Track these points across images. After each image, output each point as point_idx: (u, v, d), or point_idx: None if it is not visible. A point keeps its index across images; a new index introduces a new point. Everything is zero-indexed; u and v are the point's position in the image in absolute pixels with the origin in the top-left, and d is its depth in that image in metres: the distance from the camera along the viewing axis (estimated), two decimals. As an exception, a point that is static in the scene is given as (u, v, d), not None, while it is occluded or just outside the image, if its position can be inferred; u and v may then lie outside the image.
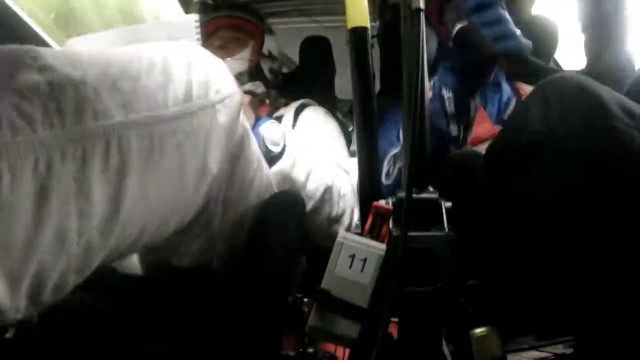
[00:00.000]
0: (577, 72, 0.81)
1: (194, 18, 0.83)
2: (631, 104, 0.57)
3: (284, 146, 0.95)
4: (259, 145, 0.87)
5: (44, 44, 1.33)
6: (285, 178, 0.93)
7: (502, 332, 0.62)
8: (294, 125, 1.13)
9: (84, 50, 0.52)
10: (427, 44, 1.26)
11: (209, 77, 0.60)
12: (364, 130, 0.72)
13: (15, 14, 1.23)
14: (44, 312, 0.46)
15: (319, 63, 1.60)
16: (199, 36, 0.82)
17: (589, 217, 0.55)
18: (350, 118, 1.35)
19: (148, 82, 0.52)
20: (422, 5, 0.68)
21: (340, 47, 1.26)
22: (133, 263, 0.75)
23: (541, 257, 0.63)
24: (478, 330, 0.61)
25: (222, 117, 0.60)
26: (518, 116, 0.68)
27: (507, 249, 0.67)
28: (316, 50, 1.61)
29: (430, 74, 1.30)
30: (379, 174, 0.72)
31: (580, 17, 0.94)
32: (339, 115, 1.43)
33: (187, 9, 1.85)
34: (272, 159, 0.92)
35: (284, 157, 0.93)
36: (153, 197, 0.52)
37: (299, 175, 0.94)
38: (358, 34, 0.76)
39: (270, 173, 0.89)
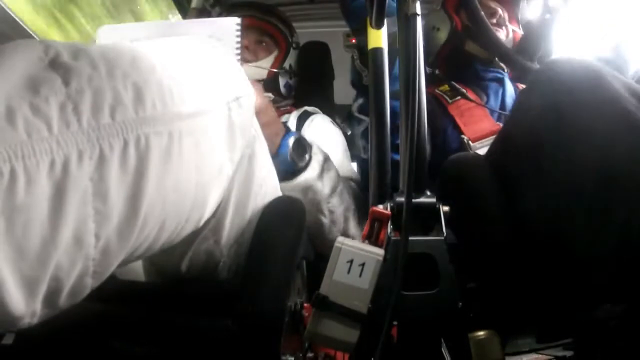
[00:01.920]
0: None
1: (236, 21, 0.81)
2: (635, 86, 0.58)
3: (310, 158, 0.95)
4: (285, 157, 0.89)
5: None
6: (309, 189, 0.94)
7: (501, 335, 0.62)
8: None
9: (97, 44, 0.50)
10: (440, 31, 1.29)
11: (225, 75, 0.60)
12: (379, 147, 0.76)
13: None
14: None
15: (318, 68, 1.61)
16: (239, 39, 0.80)
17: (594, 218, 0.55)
18: (348, 123, 1.35)
19: (164, 77, 0.50)
20: (418, 10, 0.69)
21: (339, 52, 1.28)
22: (132, 269, 0.75)
23: (541, 260, 0.63)
24: (478, 334, 0.61)
25: (237, 117, 0.59)
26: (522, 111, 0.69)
27: (506, 252, 0.67)
28: (315, 55, 1.62)
29: (443, 60, 1.32)
30: (390, 184, 0.73)
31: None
32: (338, 121, 1.43)
33: (184, 15, 1.86)
34: (296, 171, 0.92)
35: (309, 168, 0.94)
36: (171, 197, 0.50)
37: (324, 187, 0.96)
38: (376, 54, 0.86)
39: (294, 184, 0.91)
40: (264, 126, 0.74)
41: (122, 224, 0.45)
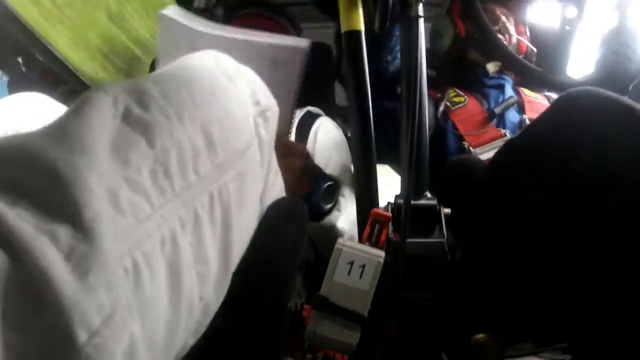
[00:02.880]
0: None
1: (307, 43, 0.73)
2: None
3: (335, 202, 1.01)
4: (318, 203, 0.94)
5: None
6: (333, 228, 1.01)
7: (501, 338, 0.62)
8: (299, 136, 1.15)
9: (150, 83, 0.41)
10: (443, 37, 1.29)
11: (250, 88, 0.53)
12: (361, 138, 0.73)
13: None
14: None
15: (319, 68, 1.61)
16: (303, 64, 0.73)
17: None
18: (348, 125, 1.35)
19: (218, 109, 0.44)
20: (421, 12, 0.69)
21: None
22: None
23: (540, 263, 0.63)
24: (477, 337, 0.61)
25: (264, 132, 0.53)
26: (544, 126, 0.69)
27: (506, 255, 0.67)
28: (316, 56, 1.61)
29: (446, 64, 1.31)
30: (377, 181, 0.73)
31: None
32: (339, 122, 1.43)
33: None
34: (323, 214, 0.99)
35: (334, 210, 1.02)
36: (245, 237, 0.48)
37: (344, 224, 1.02)
38: (352, 37, 0.78)
39: (319, 224, 0.97)
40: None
41: (218, 281, 0.42)
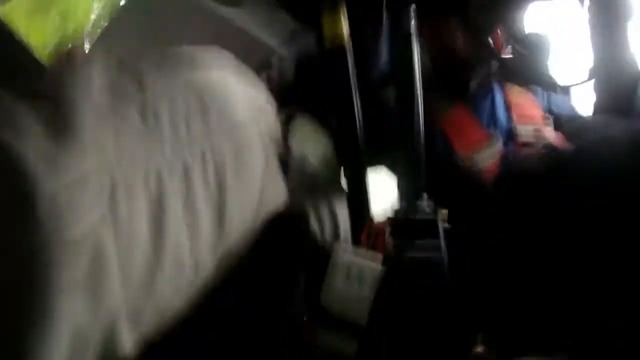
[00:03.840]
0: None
1: None
2: None
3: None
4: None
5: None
6: None
7: (501, 347, 0.61)
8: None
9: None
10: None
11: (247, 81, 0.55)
12: (349, 146, 0.73)
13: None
14: None
15: (314, 72, 1.61)
16: None
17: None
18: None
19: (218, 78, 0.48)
20: (412, 29, 0.70)
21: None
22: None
23: (542, 270, 0.63)
24: (476, 350, 0.61)
25: (264, 127, 0.55)
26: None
27: (507, 256, 0.67)
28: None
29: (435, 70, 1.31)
30: (367, 186, 0.72)
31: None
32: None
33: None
34: None
35: None
36: (245, 209, 0.49)
37: None
38: (336, 52, 0.77)
39: None
40: None
41: (212, 241, 0.43)
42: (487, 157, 1.06)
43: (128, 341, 0.35)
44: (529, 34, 1.23)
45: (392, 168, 1.04)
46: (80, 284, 0.32)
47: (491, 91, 1.27)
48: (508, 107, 1.22)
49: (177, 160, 0.39)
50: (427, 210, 0.62)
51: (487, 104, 1.25)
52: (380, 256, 0.58)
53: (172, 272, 0.38)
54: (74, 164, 0.33)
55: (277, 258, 0.65)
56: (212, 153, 0.43)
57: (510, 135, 1.17)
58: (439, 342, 0.57)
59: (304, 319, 0.67)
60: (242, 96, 0.51)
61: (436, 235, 0.60)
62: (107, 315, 0.33)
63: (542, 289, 0.62)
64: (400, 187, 0.64)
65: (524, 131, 1.11)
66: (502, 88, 1.29)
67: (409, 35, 0.70)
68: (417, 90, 0.67)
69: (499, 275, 0.66)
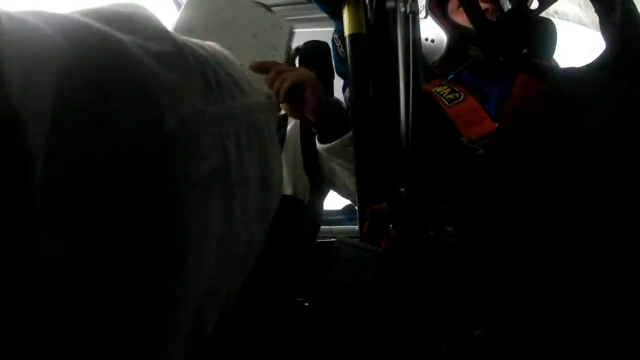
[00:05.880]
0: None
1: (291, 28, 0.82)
2: None
3: None
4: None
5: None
6: None
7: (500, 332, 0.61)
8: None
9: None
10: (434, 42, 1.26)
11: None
12: (361, 135, 0.73)
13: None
14: None
15: (318, 67, 1.60)
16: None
17: None
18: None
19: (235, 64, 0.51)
20: (417, 7, 0.69)
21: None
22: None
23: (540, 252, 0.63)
24: (478, 332, 0.61)
25: (263, 116, 0.56)
26: None
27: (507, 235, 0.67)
28: (315, 54, 1.61)
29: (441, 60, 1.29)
30: (376, 178, 0.72)
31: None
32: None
33: (178, 8, 1.84)
34: None
35: None
36: (279, 179, 0.53)
37: None
38: (355, 40, 0.82)
39: None
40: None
41: (259, 209, 0.46)
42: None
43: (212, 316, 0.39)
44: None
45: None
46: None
47: (499, 78, 1.25)
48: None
49: (232, 126, 0.42)
50: (428, 195, 0.62)
51: (495, 90, 1.23)
52: (382, 242, 0.59)
53: (235, 249, 0.42)
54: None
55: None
56: (254, 125, 0.46)
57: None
58: (440, 323, 0.57)
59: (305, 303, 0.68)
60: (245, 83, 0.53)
61: (437, 215, 0.60)
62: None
63: (542, 280, 0.62)
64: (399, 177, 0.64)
65: None
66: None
67: (413, 14, 0.69)
68: (418, 72, 0.67)
69: (499, 262, 0.66)
